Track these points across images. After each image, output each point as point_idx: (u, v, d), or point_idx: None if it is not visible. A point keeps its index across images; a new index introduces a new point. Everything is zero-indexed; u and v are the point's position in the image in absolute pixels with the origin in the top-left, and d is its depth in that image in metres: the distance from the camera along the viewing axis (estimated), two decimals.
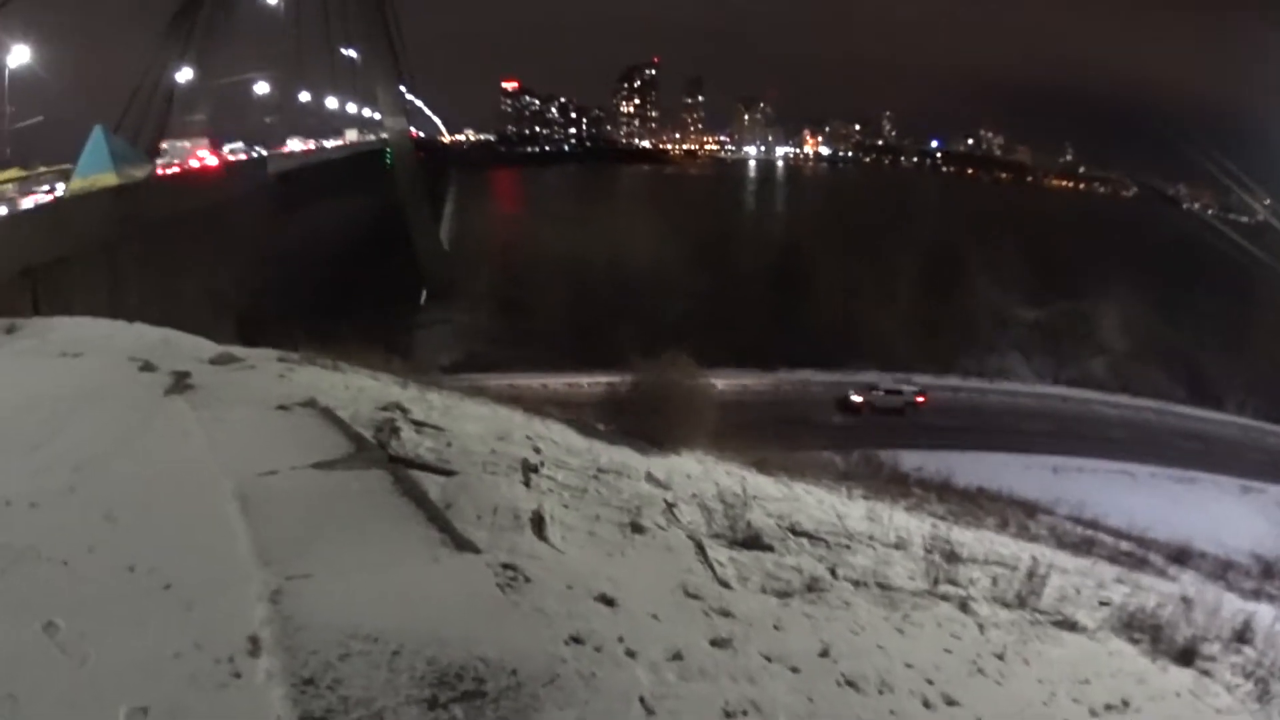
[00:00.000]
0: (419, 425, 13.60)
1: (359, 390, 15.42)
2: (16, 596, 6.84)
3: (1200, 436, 68.89)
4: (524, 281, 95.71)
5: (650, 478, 15.32)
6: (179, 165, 75.01)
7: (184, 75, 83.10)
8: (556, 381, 66.20)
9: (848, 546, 14.14)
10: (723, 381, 69.05)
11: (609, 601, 8.25)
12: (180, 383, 13.28)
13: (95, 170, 42.87)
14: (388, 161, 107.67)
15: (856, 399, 67.17)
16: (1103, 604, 14.21)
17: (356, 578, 7.72)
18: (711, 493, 15.29)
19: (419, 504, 9.50)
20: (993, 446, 59.10)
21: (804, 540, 13.79)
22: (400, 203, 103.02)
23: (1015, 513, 31.31)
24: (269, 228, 66.50)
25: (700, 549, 11.45)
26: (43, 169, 39.43)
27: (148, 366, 14.29)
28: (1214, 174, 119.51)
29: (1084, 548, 24.92)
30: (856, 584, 11.85)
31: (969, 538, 18.71)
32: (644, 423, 19.46)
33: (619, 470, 15.08)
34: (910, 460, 50.75)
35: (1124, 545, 29.05)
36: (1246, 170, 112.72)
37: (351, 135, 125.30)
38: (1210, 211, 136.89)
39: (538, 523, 10.15)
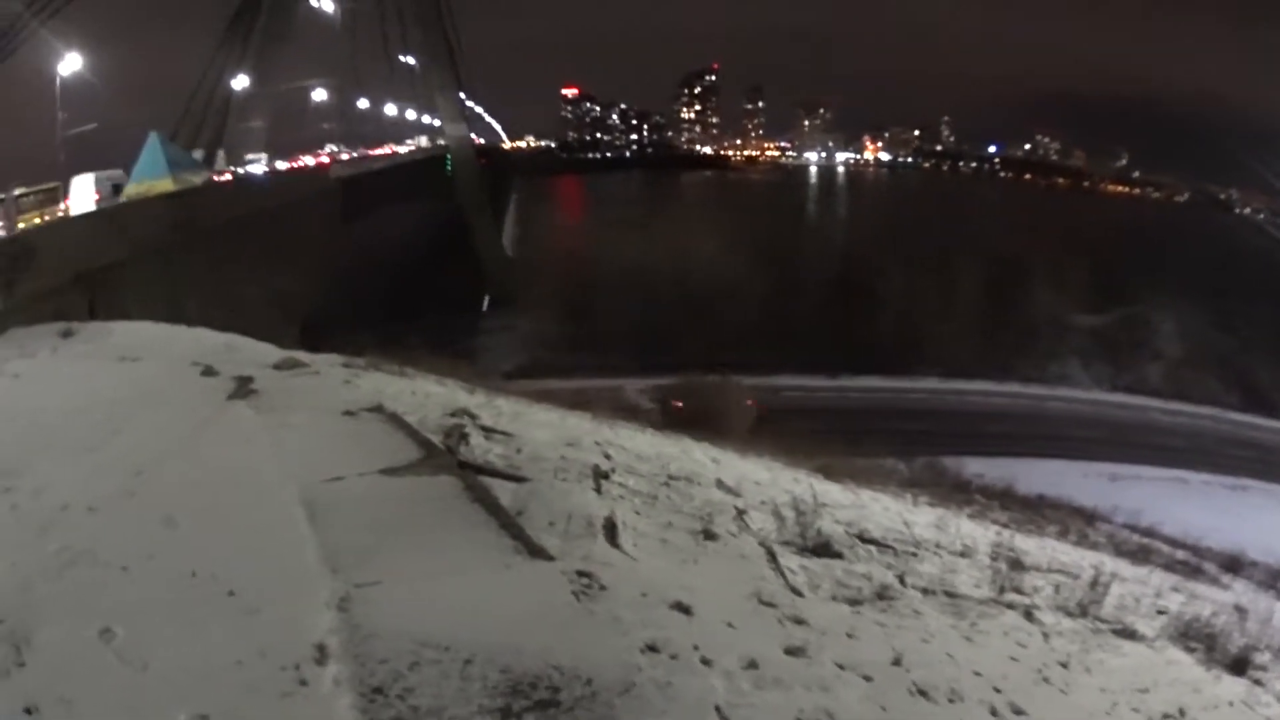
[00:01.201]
0: (488, 431, 13.35)
1: (426, 396, 15.22)
2: (73, 601, 6.59)
3: (1254, 444, 68.09)
4: (588, 287, 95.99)
5: (721, 485, 14.95)
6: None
7: (240, 83, 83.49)
8: (623, 386, 65.91)
9: (915, 554, 13.74)
10: (787, 385, 70.32)
11: (684, 609, 7.90)
12: (244, 388, 13.05)
13: (151, 176, 42.82)
14: (449, 168, 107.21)
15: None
16: (1160, 613, 13.66)
17: (427, 585, 7.40)
18: (781, 499, 14.68)
19: (490, 511, 9.15)
20: (1052, 453, 58.50)
21: (872, 548, 13.46)
22: (462, 209, 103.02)
23: (1075, 521, 31.03)
24: (332, 233, 66.39)
25: (772, 556, 11.10)
26: (20, 191, 37.54)
27: (210, 371, 14.10)
28: (1266, 179, 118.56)
29: (1141, 556, 24.60)
30: (925, 592, 11.44)
31: (1032, 545, 18.38)
32: (704, 427, 19.18)
33: (689, 477, 14.77)
34: (971, 467, 50.24)
35: (1179, 554, 28.86)
36: None
37: (408, 145, 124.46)
38: (1262, 216, 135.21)
39: (610, 530, 9.85)
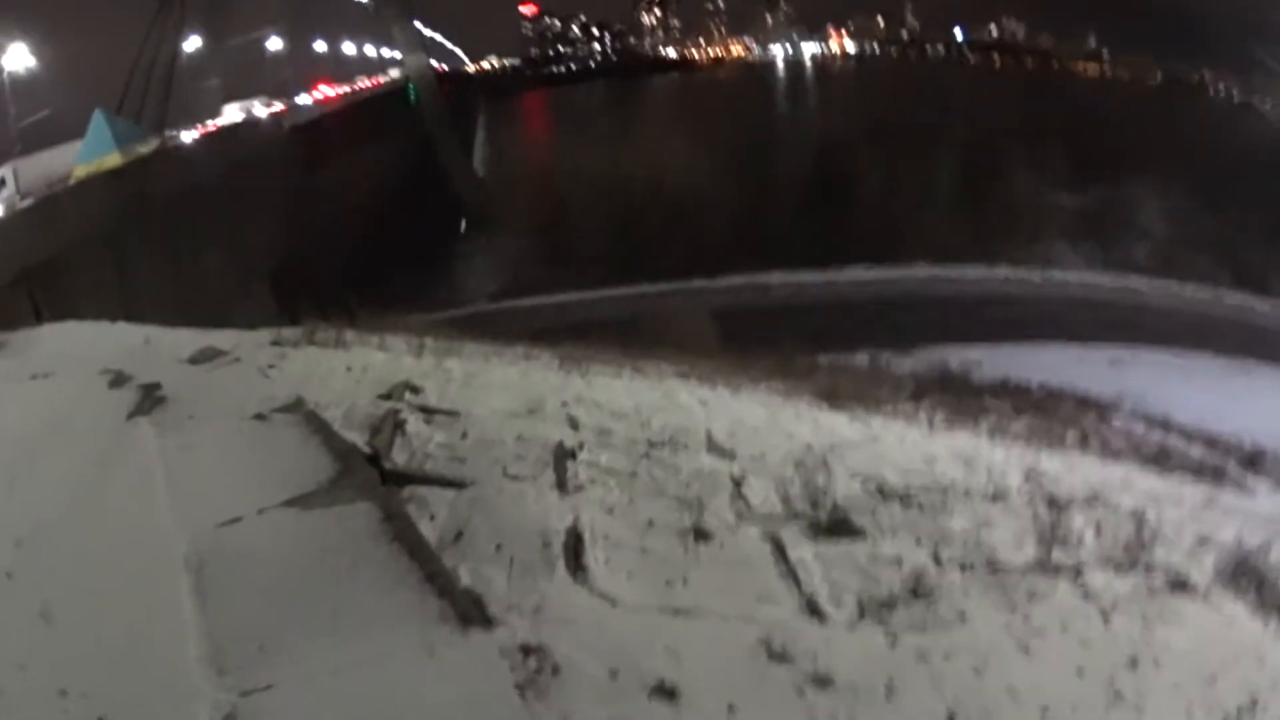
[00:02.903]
0: (429, 412, 11.32)
1: (362, 371, 13.12)
2: None
3: (1253, 326, 66.77)
4: (562, 201, 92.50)
5: (712, 444, 12.69)
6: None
7: (192, 43, 79.88)
8: (604, 296, 66.66)
9: (944, 506, 11.59)
10: (775, 283, 69.31)
11: (668, 693, 5.89)
12: (148, 399, 11.00)
13: (98, 154, 41.19)
14: (412, 98, 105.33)
15: None
16: (1201, 543, 11.80)
17: (327, 686, 5.66)
18: (783, 451, 12.77)
19: (413, 553, 7.11)
20: (1048, 337, 58.25)
21: (895, 506, 11.15)
22: (430, 137, 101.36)
23: (1089, 419, 29.78)
24: (294, 184, 63.99)
25: (780, 552, 9.00)
26: None
27: (119, 379, 12.03)
28: (1237, 59, 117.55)
29: (1162, 460, 23.05)
30: (963, 568, 9.39)
31: (1059, 466, 16.35)
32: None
33: (674, 438, 12.55)
34: (969, 354, 50.36)
35: (1195, 450, 27.79)
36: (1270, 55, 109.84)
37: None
38: (1236, 96, 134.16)
39: (573, 550, 7.91)
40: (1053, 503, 11.76)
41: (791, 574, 8.65)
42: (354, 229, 71.52)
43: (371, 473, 8.60)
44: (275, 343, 14.56)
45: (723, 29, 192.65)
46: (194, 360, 12.99)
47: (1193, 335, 61.88)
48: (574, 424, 12.30)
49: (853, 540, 9.64)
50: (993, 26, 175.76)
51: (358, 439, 9.71)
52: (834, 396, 19.34)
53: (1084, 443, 23.23)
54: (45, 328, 17.51)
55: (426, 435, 10.41)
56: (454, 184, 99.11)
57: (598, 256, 76.17)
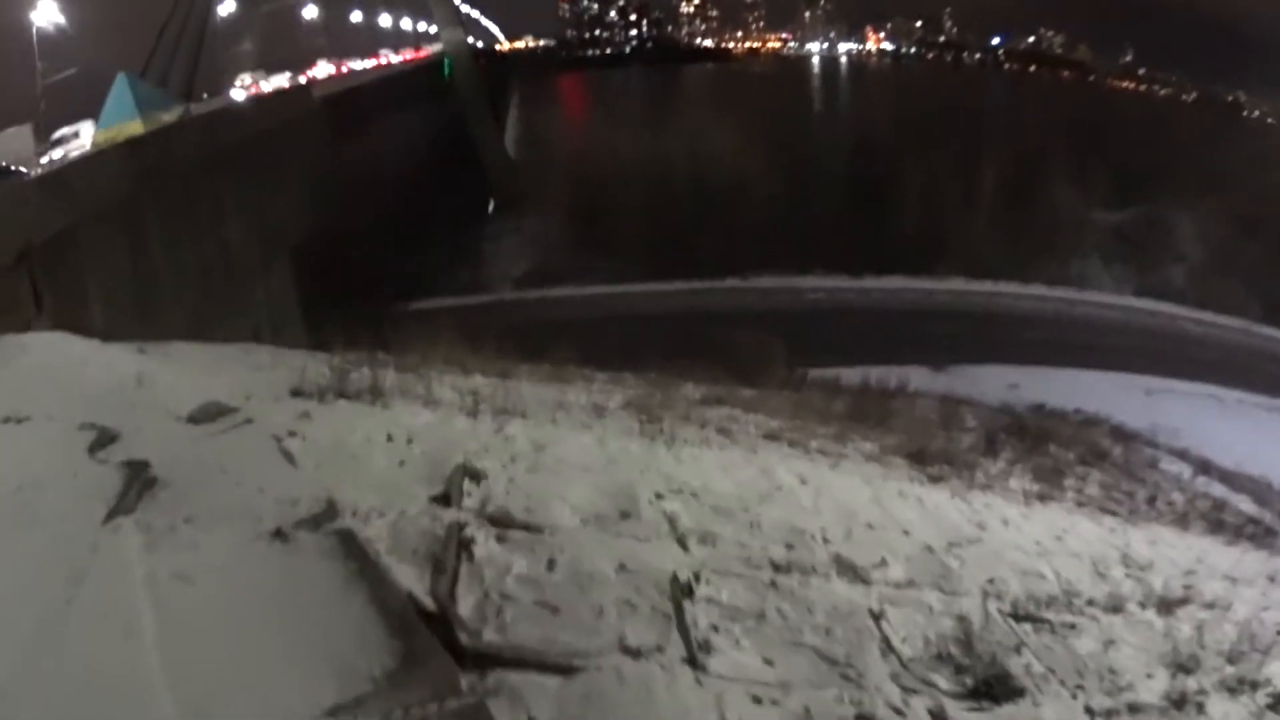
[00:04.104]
0: (501, 525, 8.61)
1: (407, 444, 10.19)
2: None
3: None
4: (595, 187, 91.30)
5: (839, 562, 10.39)
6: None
7: (227, 7, 77.54)
8: (631, 292, 65.87)
9: (1072, 627, 10.53)
10: (810, 286, 67.72)
11: None
12: (135, 484, 8.20)
13: (119, 120, 38.63)
14: (446, 73, 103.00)
15: None
16: None
17: None
18: (906, 557, 11.22)
19: None
20: (1084, 364, 56.97)
21: (1031, 633, 10.05)
22: (462, 114, 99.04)
23: (1139, 465, 29.74)
24: (322, 156, 61.29)
25: None
26: None
27: (102, 439, 9.14)
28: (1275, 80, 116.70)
29: (1216, 520, 22.87)
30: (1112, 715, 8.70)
31: (1146, 547, 16.01)
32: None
33: (795, 554, 10.19)
34: (1005, 376, 52.47)
35: (1244, 503, 27.72)
36: None
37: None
38: (1270, 120, 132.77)
39: None
40: (1162, 606, 11.93)
41: None
42: (381, 205, 68.95)
43: (444, 659, 5.81)
44: (296, 392, 11.58)
45: (760, 22, 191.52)
46: (194, 419, 10.01)
47: (1227, 368, 60.83)
48: (679, 535, 9.82)
49: (1015, 703, 8.39)
50: (1030, 37, 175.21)
51: (413, 578, 7.07)
52: (924, 459, 17.67)
53: (1151, 503, 23.05)
54: (30, 337, 14.43)
55: (503, 563, 7.77)
56: (484, 163, 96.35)
57: (627, 245, 74.01)
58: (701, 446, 13.34)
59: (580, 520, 9.32)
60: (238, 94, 68.93)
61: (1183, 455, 35.26)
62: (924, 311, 66.42)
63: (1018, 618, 10.38)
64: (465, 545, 7.90)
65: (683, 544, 9.50)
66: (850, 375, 37.34)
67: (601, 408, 14.60)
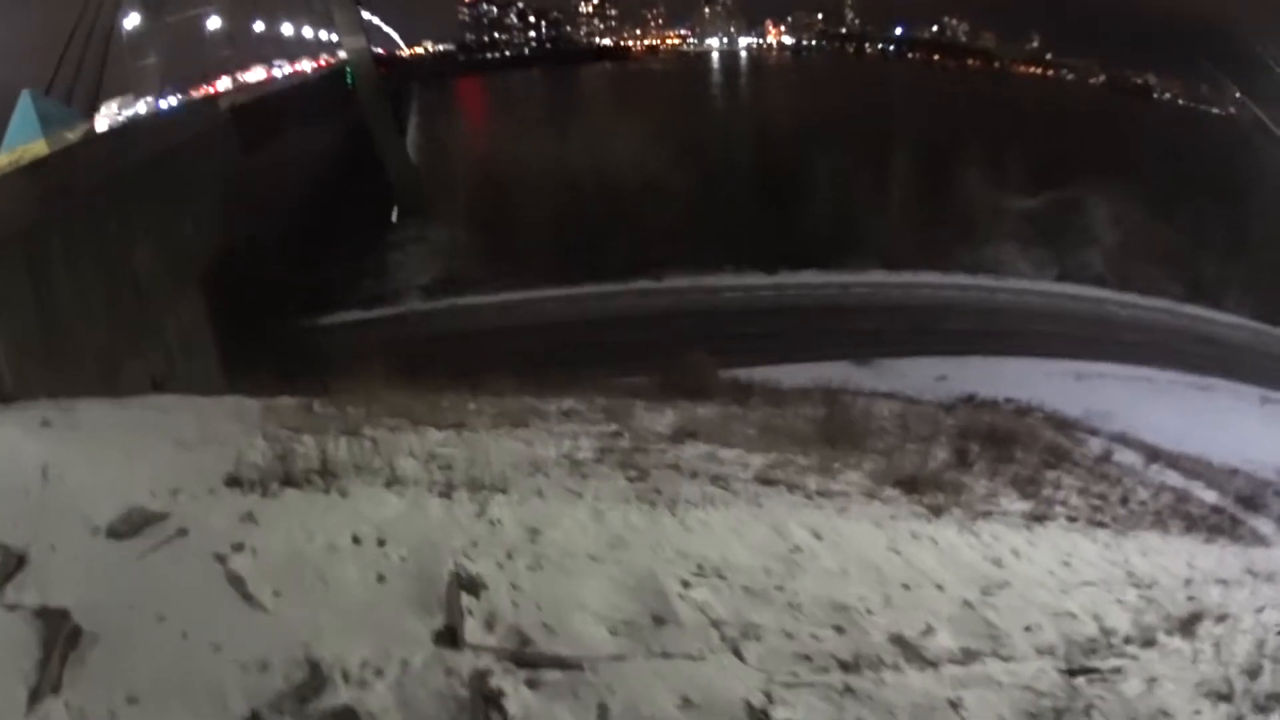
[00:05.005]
0: (529, 665, 6.70)
1: (379, 550, 8.08)
2: None
3: (1214, 340, 66.03)
4: (499, 192, 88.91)
5: (902, 647, 9.22)
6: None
7: (132, 20, 73.76)
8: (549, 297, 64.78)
9: (1117, 671, 10.40)
10: (725, 285, 66.69)
11: None
12: (58, 647, 6.23)
13: (23, 140, 35.89)
14: (350, 81, 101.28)
15: None
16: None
17: None
18: (949, 617, 10.57)
19: None
20: (1012, 351, 56.61)
21: (1085, 687, 9.75)
22: (365, 122, 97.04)
23: (1108, 468, 28.68)
24: (230, 171, 59.09)
25: None
26: None
27: (8, 563, 7.14)
28: (1184, 65, 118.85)
29: (1184, 511, 23.49)
30: None
31: (1142, 559, 16.19)
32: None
33: (857, 648, 8.83)
34: (933, 368, 51.59)
35: (1200, 491, 27.95)
36: (1217, 62, 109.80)
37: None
38: (1180, 102, 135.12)
39: None
40: (1183, 629, 12.13)
41: None
42: (288, 219, 66.98)
43: None
44: (233, 481, 9.45)
45: (660, 19, 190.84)
46: (116, 532, 7.95)
47: (1155, 349, 61.15)
48: (726, 637, 8.21)
49: None
50: (934, 26, 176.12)
51: None
52: (916, 488, 16.63)
53: (1125, 504, 22.69)
54: None
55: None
56: (388, 171, 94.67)
57: (535, 250, 71.90)
58: (705, 507, 11.62)
59: (610, 631, 7.61)
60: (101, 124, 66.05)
61: (1122, 440, 34.95)
62: (843, 306, 65.38)
63: (1073, 673, 10.10)
64: (494, 701, 6.09)
65: (737, 652, 7.82)
66: (778, 374, 37.05)
67: (577, 462, 12.76)
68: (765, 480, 13.79)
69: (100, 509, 8.06)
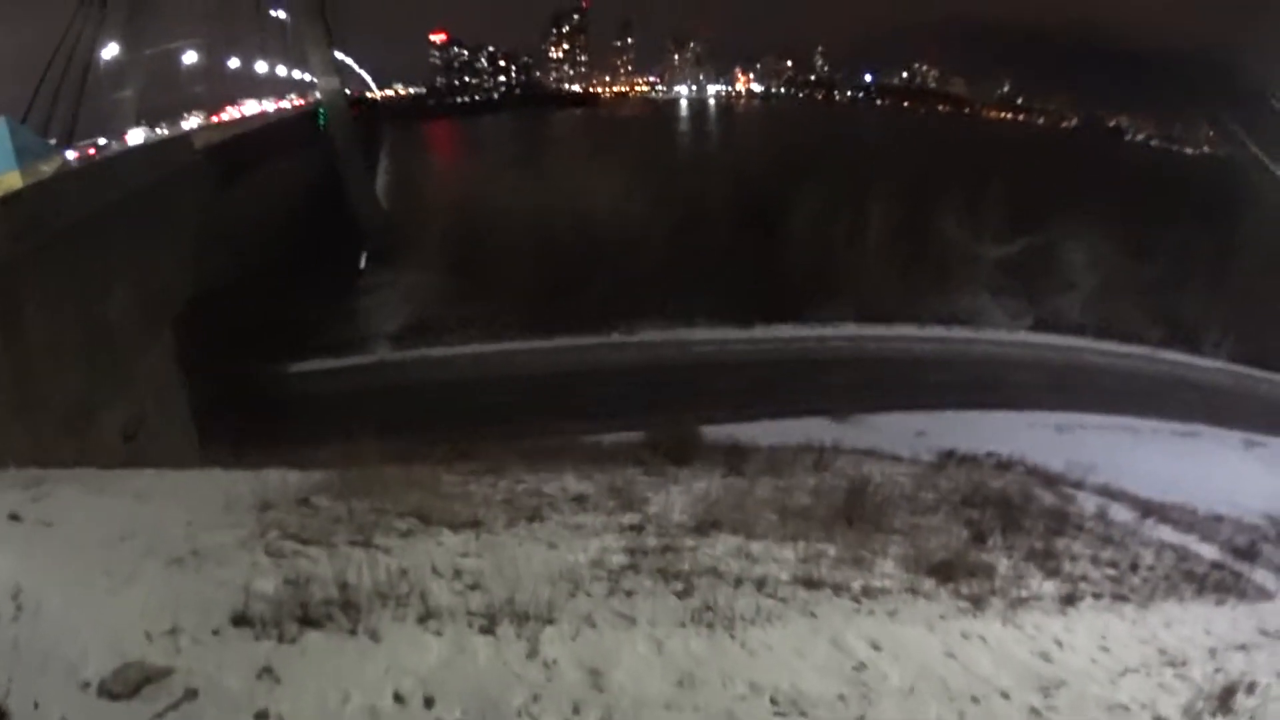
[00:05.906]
0: None
1: (429, 715, 7.00)
2: None
3: (1194, 386, 65.72)
4: (467, 237, 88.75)
5: None
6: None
7: (110, 51, 72.96)
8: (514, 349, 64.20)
9: None
10: (698, 339, 65.91)
11: None
12: None
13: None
14: (322, 122, 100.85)
15: None
16: None
17: None
18: None
19: None
20: (989, 404, 55.70)
21: None
22: (337, 164, 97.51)
23: (1109, 529, 26.07)
24: (203, 211, 57.94)
25: None
26: None
27: None
28: (1156, 105, 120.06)
29: (1189, 571, 21.61)
30: None
31: (1169, 632, 15.53)
32: None
33: None
34: (911, 423, 50.22)
35: (1197, 546, 26.11)
36: (1190, 102, 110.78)
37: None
38: (1154, 142, 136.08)
39: None
40: (1220, 707, 11.77)
41: None
42: (259, 262, 65.77)
43: None
44: (241, 620, 7.95)
45: (629, 66, 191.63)
46: (109, 691, 6.50)
47: (1136, 397, 60.78)
48: None
49: None
50: (904, 73, 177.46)
51: None
52: (951, 576, 15.48)
53: (1135, 570, 21.05)
54: None
55: None
56: (357, 214, 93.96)
57: (504, 298, 72.02)
58: (762, 625, 10.54)
59: None
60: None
61: (1109, 493, 32.83)
62: (818, 360, 64.63)
63: None
64: None
65: None
66: (756, 432, 36.03)
67: (613, 571, 11.55)
68: (808, 582, 12.77)
69: (88, 656, 6.63)
